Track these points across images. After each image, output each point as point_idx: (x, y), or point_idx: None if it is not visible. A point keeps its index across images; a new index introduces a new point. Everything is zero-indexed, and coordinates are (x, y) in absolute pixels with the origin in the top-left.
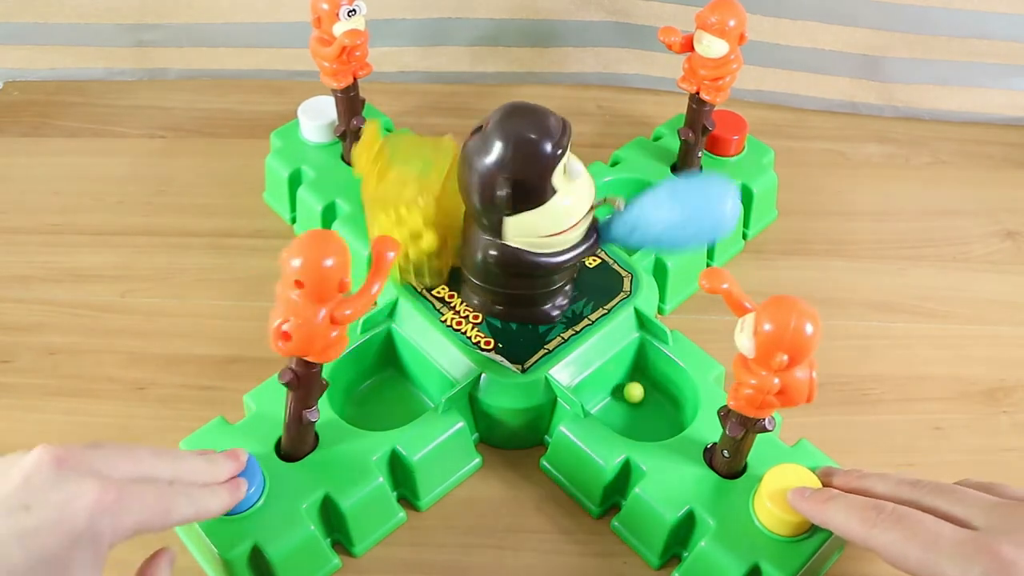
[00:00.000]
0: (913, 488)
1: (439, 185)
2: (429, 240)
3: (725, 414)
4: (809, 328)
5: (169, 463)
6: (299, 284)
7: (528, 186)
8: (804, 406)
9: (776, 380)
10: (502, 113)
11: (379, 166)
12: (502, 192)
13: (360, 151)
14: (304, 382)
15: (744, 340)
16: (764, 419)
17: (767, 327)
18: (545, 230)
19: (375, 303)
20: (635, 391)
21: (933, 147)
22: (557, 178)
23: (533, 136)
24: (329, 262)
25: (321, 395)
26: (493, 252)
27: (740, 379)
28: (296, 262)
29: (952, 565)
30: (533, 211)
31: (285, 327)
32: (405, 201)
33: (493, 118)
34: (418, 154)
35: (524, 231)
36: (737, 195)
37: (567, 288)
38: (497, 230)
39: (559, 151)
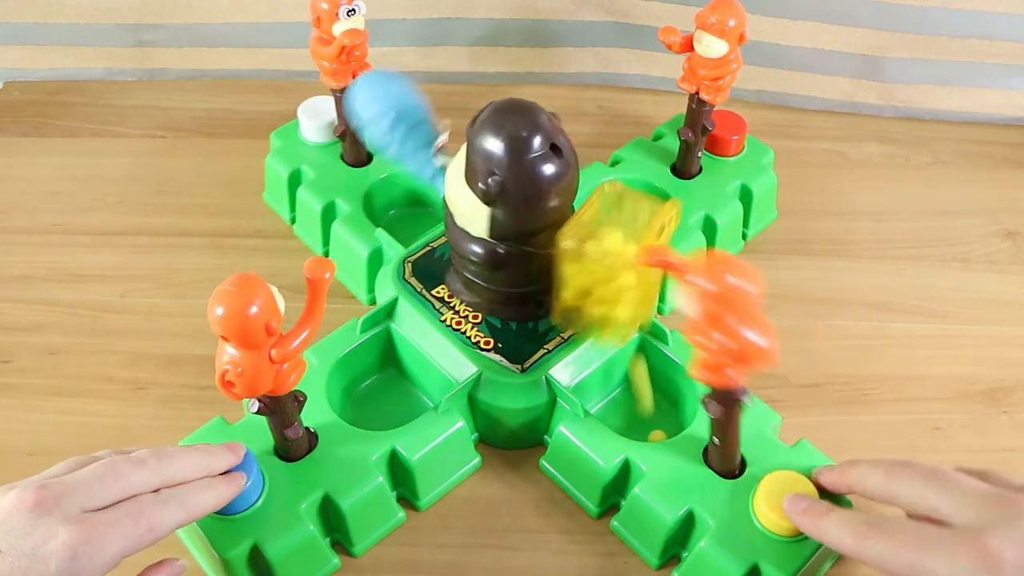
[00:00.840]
0: (905, 469)
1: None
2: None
3: (705, 399)
4: (739, 279)
5: (155, 469)
6: (224, 339)
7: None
8: (804, 406)
9: (719, 336)
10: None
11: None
12: None
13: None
14: (275, 409)
15: (685, 302)
16: (737, 392)
17: (698, 280)
18: None
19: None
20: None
21: (933, 147)
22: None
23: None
24: (252, 310)
25: (300, 410)
26: None
27: (693, 344)
28: (216, 317)
29: (939, 561)
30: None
31: (228, 377)
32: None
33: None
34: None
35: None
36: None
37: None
38: None
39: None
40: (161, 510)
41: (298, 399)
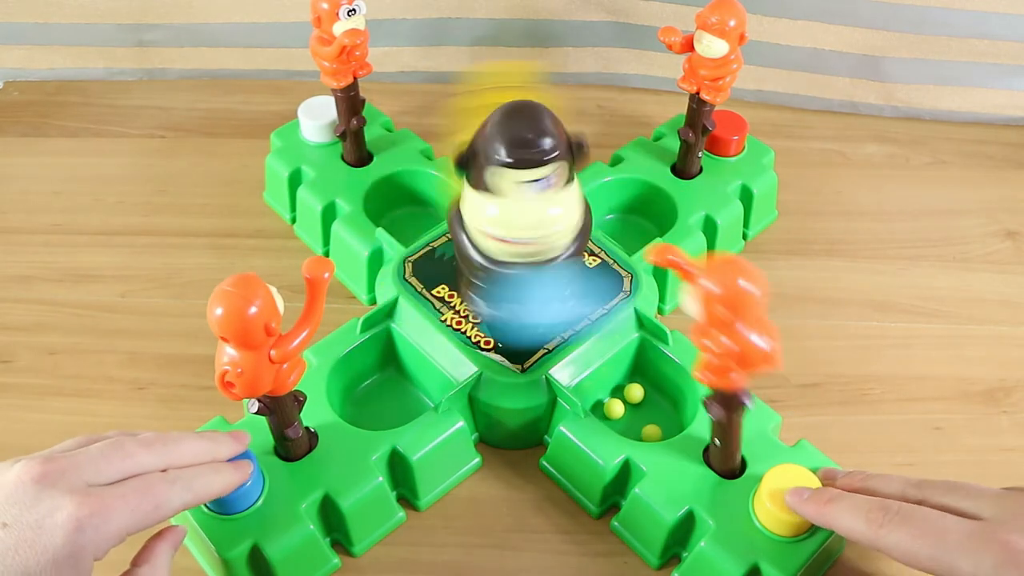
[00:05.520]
0: (918, 488)
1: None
2: None
3: (707, 400)
4: (746, 282)
5: (161, 451)
6: (224, 339)
7: (471, 155)
8: (804, 406)
9: (724, 339)
10: (521, 104)
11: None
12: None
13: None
14: (274, 409)
15: (690, 304)
16: (739, 394)
17: (704, 283)
18: (467, 216)
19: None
20: (635, 392)
21: (933, 147)
22: (495, 178)
23: (513, 128)
24: (251, 311)
25: (300, 410)
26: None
27: (698, 347)
28: (216, 317)
29: (963, 559)
30: (468, 189)
31: (227, 377)
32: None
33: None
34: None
35: (466, 206)
36: None
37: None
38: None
39: (507, 159)
40: (168, 489)
41: (298, 399)
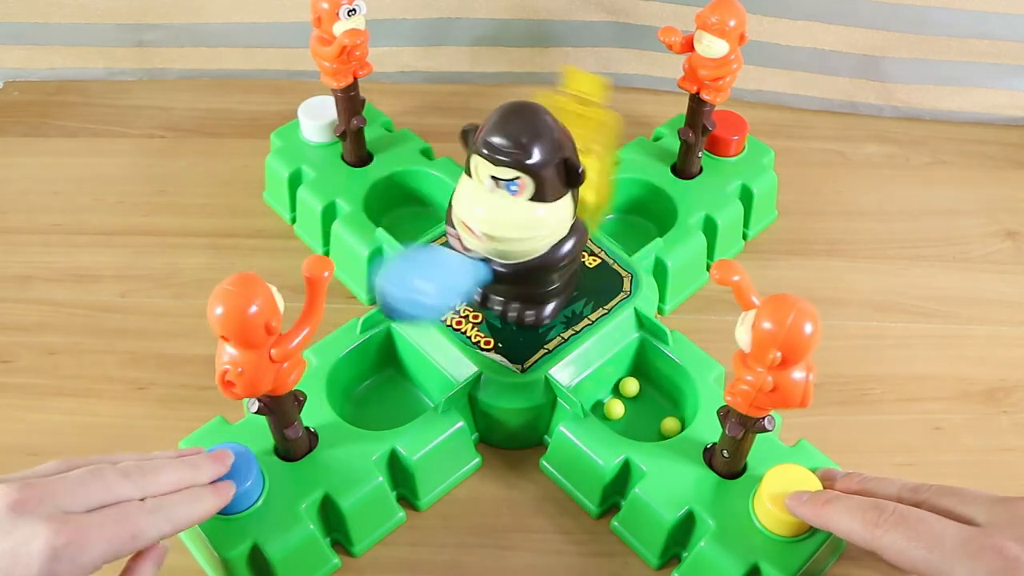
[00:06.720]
0: (915, 492)
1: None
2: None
3: (725, 414)
4: (807, 328)
5: (139, 482)
6: (224, 338)
7: (467, 137)
8: None
9: (770, 378)
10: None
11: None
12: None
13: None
14: (275, 408)
15: (743, 334)
16: (763, 419)
17: (764, 324)
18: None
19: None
20: (630, 386)
21: (933, 147)
22: (475, 164)
23: (502, 118)
24: (252, 310)
25: (300, 410)
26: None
27: (737, 375)
28: (216, 316)
29: (958, 564)
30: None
31: (228, 376)
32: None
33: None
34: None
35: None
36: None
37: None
38: None
39: (476, 143)
40: (147, 519)
41: (298, 399)
